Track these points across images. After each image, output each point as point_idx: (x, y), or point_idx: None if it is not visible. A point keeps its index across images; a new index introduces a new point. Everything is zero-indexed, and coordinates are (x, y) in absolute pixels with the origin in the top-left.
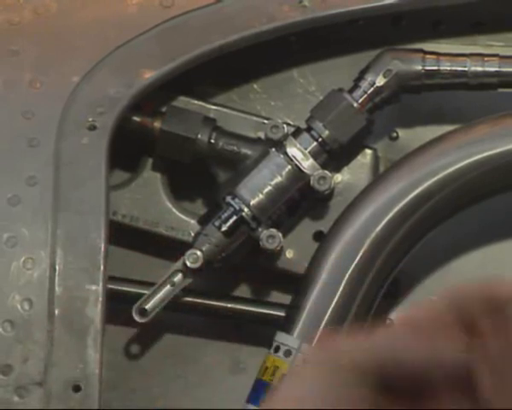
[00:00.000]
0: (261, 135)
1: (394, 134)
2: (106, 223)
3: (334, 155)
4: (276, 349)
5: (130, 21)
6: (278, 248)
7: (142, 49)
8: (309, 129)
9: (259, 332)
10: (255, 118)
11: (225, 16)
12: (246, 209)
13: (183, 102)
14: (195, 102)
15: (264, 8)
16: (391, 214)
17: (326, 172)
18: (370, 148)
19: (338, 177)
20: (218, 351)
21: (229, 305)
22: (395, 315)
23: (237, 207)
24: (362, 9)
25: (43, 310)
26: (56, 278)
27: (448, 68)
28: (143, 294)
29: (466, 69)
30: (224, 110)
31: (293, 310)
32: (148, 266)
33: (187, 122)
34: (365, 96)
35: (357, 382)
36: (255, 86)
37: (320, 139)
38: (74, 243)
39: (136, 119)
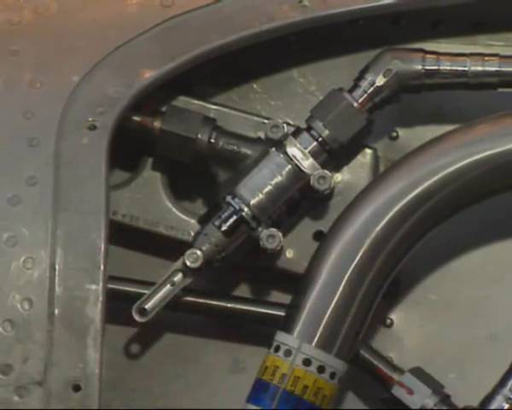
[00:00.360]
0: (261, 135)
1: (394, 134)
2: (106, 223)
3: (334, 155)
4: (276, 349)
5: (130, 21)
6: (278, 248)
7: (142, 49)
8: (309, 129)
9: (259, 332)
10: (255, 118)
11: (225, 16)
12: (246, 209)
13: (183, 101)
14: (195, 101)
15: (263, 8)
16: (391, 214)
17: (326, 171)
18: (370, 147)
19: (338, 176)
20: (218, 351)
21: (230, 305)
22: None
23: (237, 207)
24: (361, 9)
25: (43, 310)
26: (56, 278)
27: (448, 68)
28: (143, 293)
29: (466, 69)
30: (224, 110)
31: (293, 310)
32: (148, 265)
33: (187, 122)
34: (365, 95)
35: None
36: (255, 86)
37: (320, 139)
38: (74, 242)
39: (136, 118)
